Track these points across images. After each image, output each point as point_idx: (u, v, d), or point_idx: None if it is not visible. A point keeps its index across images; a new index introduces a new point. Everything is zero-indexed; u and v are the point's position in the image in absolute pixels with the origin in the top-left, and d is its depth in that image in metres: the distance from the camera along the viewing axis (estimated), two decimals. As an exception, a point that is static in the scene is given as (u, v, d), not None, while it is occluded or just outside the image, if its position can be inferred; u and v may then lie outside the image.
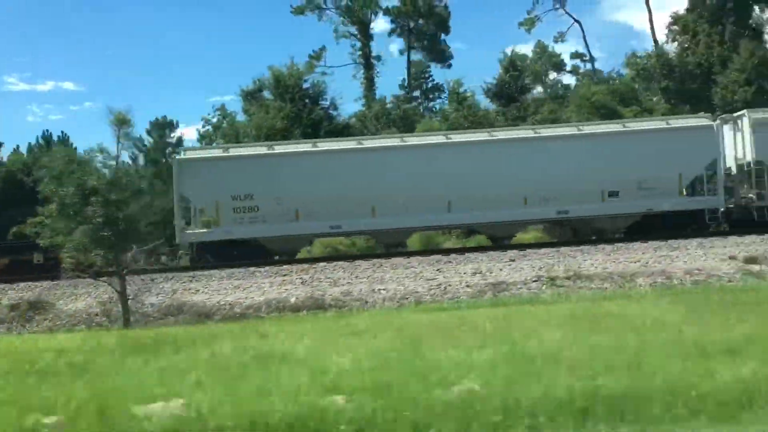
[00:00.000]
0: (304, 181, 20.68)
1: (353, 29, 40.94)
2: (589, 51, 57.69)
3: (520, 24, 56.27)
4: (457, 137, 21.87)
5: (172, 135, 48.96)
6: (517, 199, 20.79)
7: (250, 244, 20.73)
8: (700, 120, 21.95)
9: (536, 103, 34.88)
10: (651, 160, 20.69)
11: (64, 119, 79.84)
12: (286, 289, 14.83)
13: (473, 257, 17.29)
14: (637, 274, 14.03)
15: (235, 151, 22.11)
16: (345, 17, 40.86)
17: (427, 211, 20.69)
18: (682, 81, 33.94)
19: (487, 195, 20.58)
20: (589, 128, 21.85)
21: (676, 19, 37.69)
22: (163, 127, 48.45)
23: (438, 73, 50.06)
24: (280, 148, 21.86)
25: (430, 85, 48.48)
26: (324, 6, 41.03)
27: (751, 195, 21.29)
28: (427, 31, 41.93)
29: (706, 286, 12.69)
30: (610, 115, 29.51)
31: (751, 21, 39.35)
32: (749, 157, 21.16)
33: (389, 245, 21.62)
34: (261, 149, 22.21)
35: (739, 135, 21.70)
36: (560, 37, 57.93)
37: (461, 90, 34.27)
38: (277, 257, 20.66)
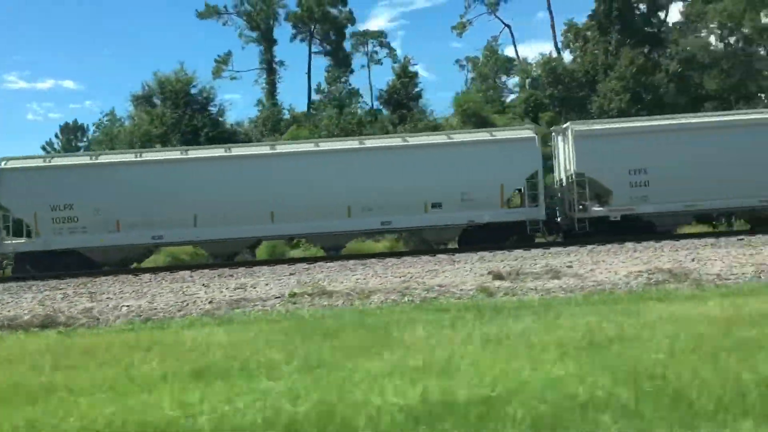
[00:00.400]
0: (124, 192, 20.60)
1: (256, 34, 40.82)
2: (517, 54, 58.13)
3: (453, 28, 56.89)
4: (283, 147, 21.86)
5: (84, 139, 48.94)
6: (340, 209, 20.82)
7: (71, 255, 20.65)
8: (523, 132, 22.09)
9: (422, 110, 34.95)
10: (474, 172, 20.77)
11: (64, 117, 79.83)
12: (38, 305, 14.68)
13: (264, 270, 17.29)
14: (376, 291, 14.00)
15: (57, 161, 21.98)
16: (246, 22, 40.82)
17: (250, 221, 20.67)
18: (569, 89, 34.14)
19: (310, 206, 20.63)
20: (414, 140, 21.91)
21: (569, 26, 37.99)
22: (73, 131, 48.38)
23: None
24: (103, 158, 21.71)
25: (346, 90, 48.68)
26: (225, 11, 41.01)
27: (580, 206, 21.42)
28: (322, 36, 41.92)
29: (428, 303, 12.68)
30: (482, 123, 29.65)
31: (649, 28, 39.92)
32: (573, 169, 21.31)
33: (217, 256, 21.56)
34: (83, 159, 22.10)
35: (567, 146, 21.86)
36: (494, 41, 58.44)
37: (343, 96, 34.26)
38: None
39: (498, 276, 14.98)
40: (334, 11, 41.60)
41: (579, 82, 34.27)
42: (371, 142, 21.82)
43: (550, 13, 40.54)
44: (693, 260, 15.27)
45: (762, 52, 43.51)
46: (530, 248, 18.57)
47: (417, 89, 35.56)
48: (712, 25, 37.57)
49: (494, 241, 20.51)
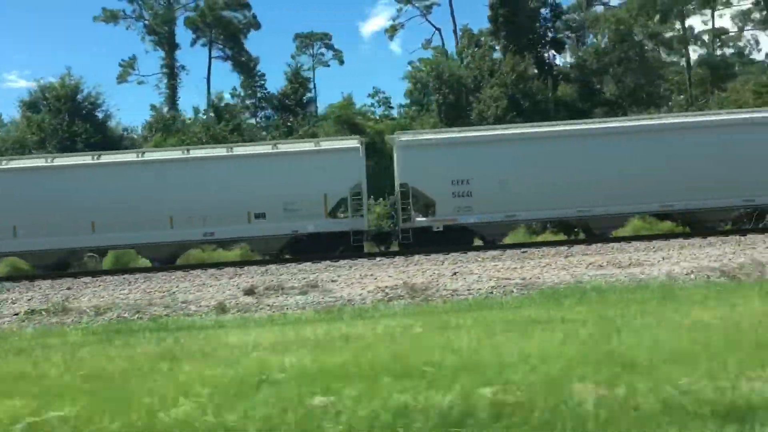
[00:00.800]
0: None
1: (155, 38, 40.49)
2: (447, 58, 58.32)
3: (386, 31, 57.10)
4: (107, 158, 21.64)
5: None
6: (162, 220, 20.67)
7: None
8: (348, 142, 22.03)
9: (309, 117, 34.81)
10: (297, 182, 20.72)
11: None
12: None
13: (43, 285, 17.11)
14: (116, 307, 13.87)
15: None
16: (144, 27, 40.52)
17: (71, 232, 20.49)
18: (456, 94, 34.11)
19: (132, 216, 20.48)
20: (240, 149, 21.79)
21: (464, 31, 38.02)
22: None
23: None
24: None
25: (260, 95, 48.44)
26: (124, 15, 40.57)
27: (405, 216, 21.35)
28: (217, 40, 41.62)
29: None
30: (354, 130, 29.58)
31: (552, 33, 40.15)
32: (398, 179, 21.28)
33: (40, 267, 21.31)
34: None
35: (396, 156, 21.82)
36: (427, 45, 58.58)
37: (222, 103, 34.07)
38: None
39: (249, 291, 14.91)
40: (237, 15, 41.36)
41: (468, 88, 34.26)
42: (195, 152, 21.67)
43: (453, 18, 40.61)
44: (454, 274, 15.25)
45: (669, 59, 43.95)
46: (322, 261, 18.47)
47: (309, 95, 35.36)
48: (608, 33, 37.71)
49: (322, 251, 20.46)
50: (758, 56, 53.94)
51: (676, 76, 43.56)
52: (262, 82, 49.97)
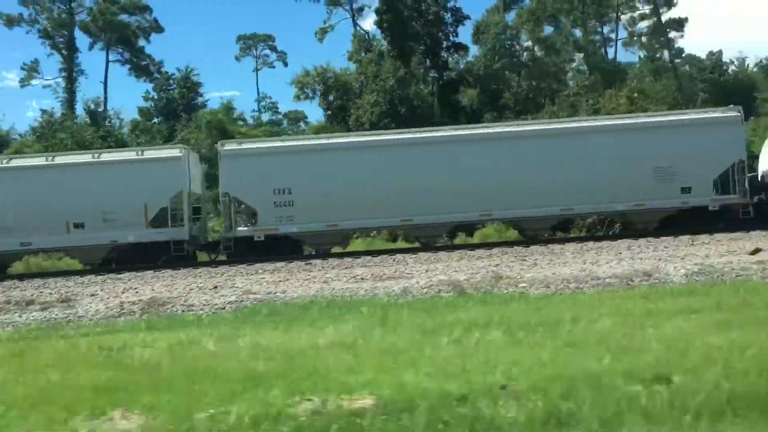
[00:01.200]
0: None
1: (54, 42, 40.05)
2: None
3: (315, 33, 56.99)
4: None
5: None
6: (-21, 231, 20.39)
7: None
8: (169, 151, 21.92)
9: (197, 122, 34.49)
10: (117, 192, 20.51)
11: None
12: None
13: None
14: None
15: None
16: (39, 31, 39.99)
17: None
18: (342, 99, 34.02)
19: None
20: (60, 159, 21.57)
21: (355, 36, 37.95)
22: None
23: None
24: None
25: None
26: (23, 19, 40.00)
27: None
28: (114, 44, 41.19)
29: None
30: (225, 135, 29.32)
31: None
32: (221, 188, 21.10)
33: None
34: None
35: (220, 166, 21.61)
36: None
37: (100, 108, 33.76)
38: None
39: (24, 302, 14.72)
40: (138, 19, 40.95)
41: (355, 93, 34.17)
42: (16, 162, 21.44)
43: (354, 21, 40.50)
44: (214, 287, 15.11)
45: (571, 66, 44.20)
46: (108, 273, 18.28)
47: (201, 99, 35.08)
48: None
49: (146, 261, 20.23)
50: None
51: (585, 81, 43.82)
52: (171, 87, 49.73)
